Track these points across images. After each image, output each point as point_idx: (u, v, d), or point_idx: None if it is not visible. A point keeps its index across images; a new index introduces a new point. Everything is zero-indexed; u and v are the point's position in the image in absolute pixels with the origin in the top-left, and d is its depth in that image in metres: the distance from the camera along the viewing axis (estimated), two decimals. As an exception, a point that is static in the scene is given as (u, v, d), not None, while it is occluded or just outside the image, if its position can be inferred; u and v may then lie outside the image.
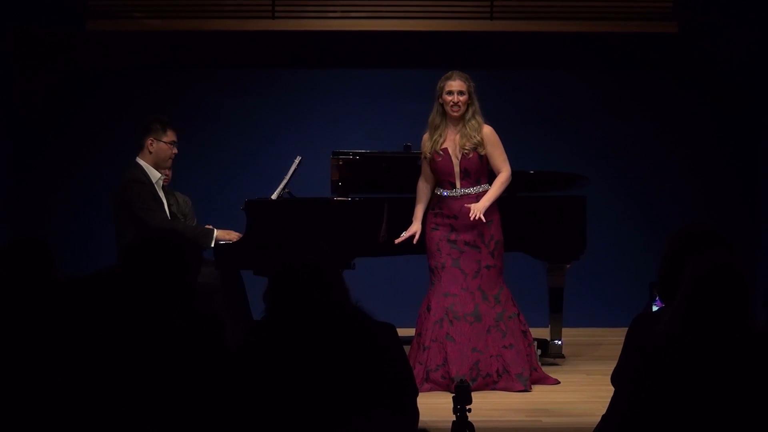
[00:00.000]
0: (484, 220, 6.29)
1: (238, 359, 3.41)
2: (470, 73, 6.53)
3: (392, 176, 7.06)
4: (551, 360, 7.04)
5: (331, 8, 8.74)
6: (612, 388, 3.86)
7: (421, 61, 8.82)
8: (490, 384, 6.28)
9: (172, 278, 3.43)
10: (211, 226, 6.69)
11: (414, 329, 6.53)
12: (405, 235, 6.57)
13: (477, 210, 6.29)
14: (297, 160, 6.90)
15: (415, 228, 6.56)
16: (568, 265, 7.09)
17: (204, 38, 8.73)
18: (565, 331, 7.21)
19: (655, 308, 6.85)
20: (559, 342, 7.15)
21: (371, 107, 8.86)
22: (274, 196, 6.76)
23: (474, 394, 3.75)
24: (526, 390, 6.25)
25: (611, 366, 4.15)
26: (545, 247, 6.96)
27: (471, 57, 8.70)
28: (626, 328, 3.96)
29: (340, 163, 6.96)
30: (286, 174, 6.86)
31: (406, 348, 3.71)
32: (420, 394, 3.70)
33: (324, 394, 3.33)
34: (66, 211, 8.64)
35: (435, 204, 6.54)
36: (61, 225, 8.51)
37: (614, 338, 5.84)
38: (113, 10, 8.66)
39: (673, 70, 8.88)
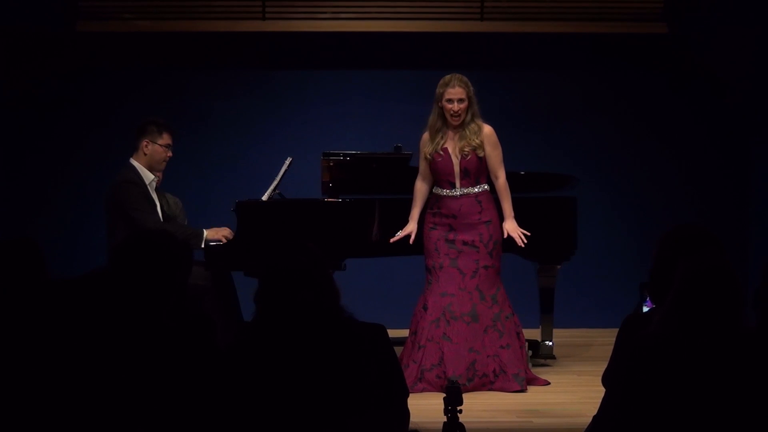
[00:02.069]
0: (528, 233, 6.47)
1: (229, 360, 3.41)
2: (460, 74, 6.52)
3: (382, 177, 7.06)
4: (542, 361, 7.04)
5: (322, 9, 8.73)
6: (603, 389, 3.87)
7: (412, 61, 8.82)
8: (486, 384, 6.27)
9: (163, 279, 3.42)
10: (201, 229, 6.68)
11: (405, 329, 6.53)
12: (400, 234, 6.57)
13: (517, 232, 6.49)
14: (287, 162, 6.89)
15: (411, 228, 6.56)
16: (558, 266, 7.10)
17: (194, 39, 8.72)
18: (555, 331, 7.21)
19: (645, 309, 6.86)
20: (550, 343, 7.16)
21: (361, 108, 8.86)
22: (264, 198, 6.76)
23: (465, 395, 3.75)
24: (523, 390, 6.25)
25: (602, 367, 4.15)
26: (536, 247, 6.95)
27: (461, 58, 8.70)
28: (617, 329, 3.97)
29: (331, 164, 6.96)
30: (276, 175, 6.85)
31: (398, 349, 3.71)
32: (412, 395, 3.70)
33: (314, 395, 3.32)
34: (57, 212, 8.62)
35: (433, 203, 6.54)
36: (51, 226, 8.49)
37: (605, 339, 5.86)
38: (103, 12, 8.65)
39: (663, 71, 8.89)
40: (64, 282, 3.47)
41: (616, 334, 3.97)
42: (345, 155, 6.98)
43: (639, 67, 8.90)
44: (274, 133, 8.75)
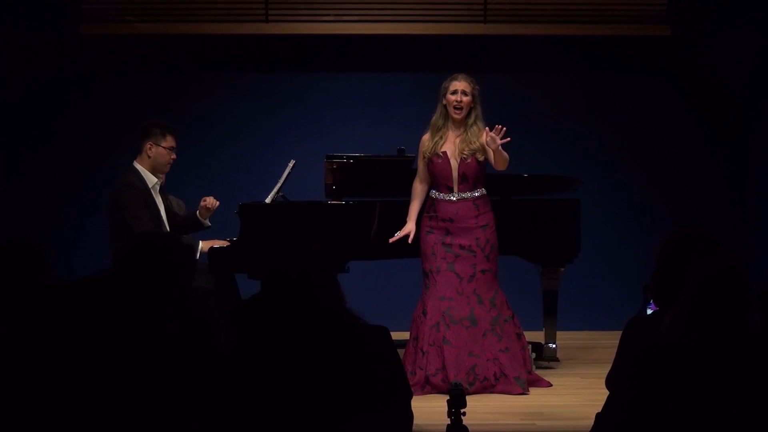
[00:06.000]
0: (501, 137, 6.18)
1: (232, 363, 3.40)
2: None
3: (386, 179, 7.05)
4: (545, 363, 7.03)
5: (324, 12, 8.74)
6: (607, 392, 3.86)
7: (415, 64, 8.82)
8: (488, 388, 6.26)
9: (166, 282, 3.42)
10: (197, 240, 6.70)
11: (408, 332, 6.52)
12: (399, 234, 6.55)
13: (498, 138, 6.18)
14: (291, 164, 6.89)
15: (410, 227, 6.54)
16: (562, 269, 7.09)
17: (197, 42, 8.73)
18: (559, 334, 7.20)
19: (649, 311, 6.86)
20: (554, 345, 7.15)
21: (365, 110, 8.86)
22: (268, 200, 6.76)
23: (469, 398, 3.75)
24: (525, 393, 6.24)
25: (606, 369, 4.15)
26: (539, 250, 6.96)
27: (464, 60, 8.69)
28: (620, 332, 3.96)
29: (334, 166, 6.96)
30: (280, 178, 6.85)
31: (401, 351, 3.71)
32: (418, 397, 3.70)
33: (317, 397, 3.32)
34: (59, 215, 8.63)
35: (429, 207, 6.52)
36: (54, 228, 8.49)
37: (608, 341, 5.83)
38: (106, 14, 8.66)
39: (665, 74, 8.89)
40: (68, 285, 3.47)
41: (619, 336, 3.97)
42: (348, 158, 6.98)
43: (642, 69, 8.90)
44: (278, 136, 8.75)
